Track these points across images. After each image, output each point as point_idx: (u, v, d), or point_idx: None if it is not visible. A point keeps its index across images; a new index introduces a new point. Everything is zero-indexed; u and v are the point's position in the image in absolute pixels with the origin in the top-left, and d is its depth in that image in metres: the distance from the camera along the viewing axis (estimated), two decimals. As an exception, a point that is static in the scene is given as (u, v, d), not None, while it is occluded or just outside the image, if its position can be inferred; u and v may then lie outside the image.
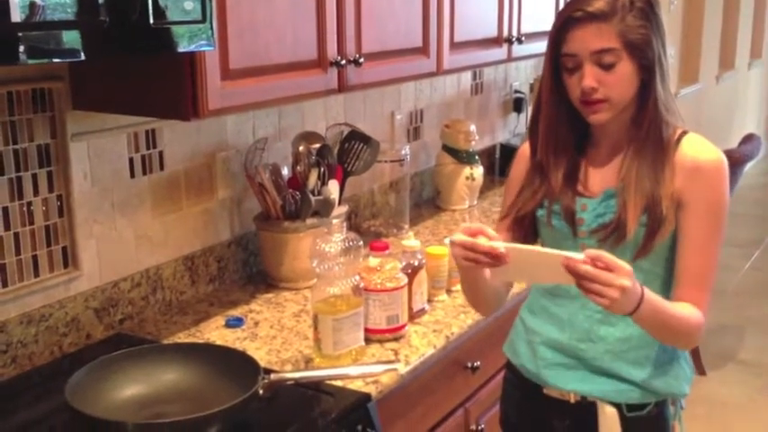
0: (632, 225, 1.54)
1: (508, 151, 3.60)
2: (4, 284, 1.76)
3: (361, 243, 1.85)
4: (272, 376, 1.63)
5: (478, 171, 3.12)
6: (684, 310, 1.54)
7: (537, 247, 1.53)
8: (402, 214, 2.80)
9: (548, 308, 1.70)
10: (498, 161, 3.65)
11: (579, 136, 1.65)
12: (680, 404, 1.70)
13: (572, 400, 1.67)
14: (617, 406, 1.63)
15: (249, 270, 2.39)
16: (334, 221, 2.20)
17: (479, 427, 2.20)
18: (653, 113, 1.56)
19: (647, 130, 1.57)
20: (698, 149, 1.57)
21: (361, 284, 1.86)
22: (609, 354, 1.63)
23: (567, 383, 1.67)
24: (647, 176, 1.55)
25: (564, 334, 1.67)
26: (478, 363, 2.15)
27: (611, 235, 1.56)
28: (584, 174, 1.64)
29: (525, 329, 1.75)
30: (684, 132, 1.60)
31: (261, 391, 1.56)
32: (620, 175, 1.58)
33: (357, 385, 1.72)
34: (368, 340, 1.89)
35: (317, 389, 1.71)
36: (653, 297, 1.46)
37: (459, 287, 2.25)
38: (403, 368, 1.82)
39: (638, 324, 1.51)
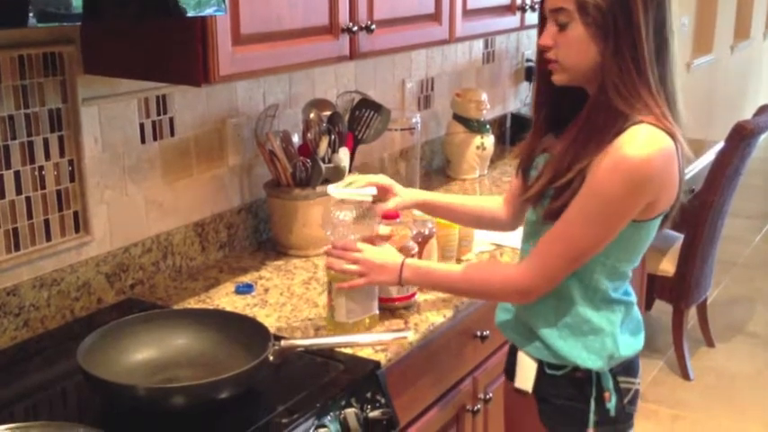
0: (534, 192, 1.60)
1: (519, 120, 3.58)
2: (17, 248, 1.77)
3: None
4: (283, 343, 1.64)
5: (489, 140, 3.11)
6: (472, 268, 1.78)
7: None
8: (412, 183, 2.79)
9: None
10: (509, 130, 3.63)
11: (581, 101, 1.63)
12: (611, 376, 1.65)
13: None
14: (539, 362, 1.69)
15: (259, 237, 2.39)
16: (345, 189, 2.19)
17: (487, 396, 2.21)
18: (600, 98, 1.51)
19: (588, 114, 1.53)
20: (625, 139, 1.48)
21: (372, 252, 1.86)
22: (536, 315, 1.67)
23: (508, 333, 1.77)
24: (571, 154, 1.53)
25: None
26: (487, 332, 2.15)
27: (524, 195, 1.64)
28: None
29: None
30: (641, 122, 1.49)
31: (271, 358, 1.57)
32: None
33: (367, 353, 1.73)
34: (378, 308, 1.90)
35: (326, 356, 1.72)
36: (417, 264, 1.77)
37: (468, 256, 2.26)
38: (413, 336, 1.82)
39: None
